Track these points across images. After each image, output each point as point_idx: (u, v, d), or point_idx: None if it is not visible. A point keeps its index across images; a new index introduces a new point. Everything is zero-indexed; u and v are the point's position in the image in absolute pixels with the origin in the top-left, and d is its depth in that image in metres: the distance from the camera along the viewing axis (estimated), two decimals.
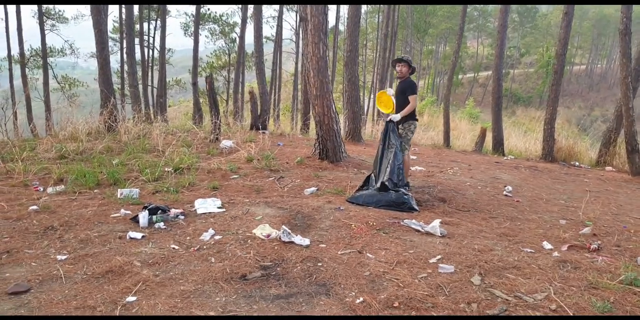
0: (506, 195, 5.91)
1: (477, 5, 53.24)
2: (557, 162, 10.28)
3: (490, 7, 53.68)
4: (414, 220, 4.24)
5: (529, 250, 3.71)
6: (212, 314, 2.53)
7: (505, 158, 10.90)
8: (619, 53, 9.10)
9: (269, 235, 3.67)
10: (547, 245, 3.84)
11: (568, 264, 3.39)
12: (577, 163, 10.28)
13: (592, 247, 3.80)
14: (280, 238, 3.60)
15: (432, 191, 5.64)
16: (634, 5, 8.63)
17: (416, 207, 4.81)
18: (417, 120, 5.40)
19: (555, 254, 3.63)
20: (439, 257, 3.43)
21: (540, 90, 51.27)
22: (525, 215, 4.98)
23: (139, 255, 3.30)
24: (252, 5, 16.71)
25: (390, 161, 4.98)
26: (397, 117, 5.18)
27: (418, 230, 4.04)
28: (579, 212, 5.18)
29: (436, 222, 4.03)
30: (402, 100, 5.32)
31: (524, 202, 5.59)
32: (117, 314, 2.49)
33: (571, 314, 2.61)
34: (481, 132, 12.39)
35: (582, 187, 6.97)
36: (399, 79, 5.40)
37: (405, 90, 5.28)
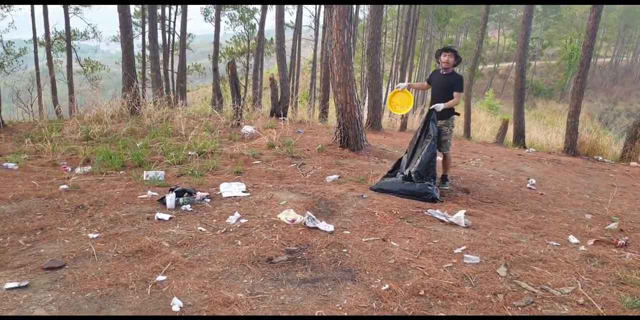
0: (530, 188, 5.83)
1: None
2: (580, 156, 10.08)
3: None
4: (437, 210, 4.23)
5: (554, 243, 3.67)
6: (240, 295, 2.58)
7: (526, 151, 10.73)
8: None
9: (293, 220, 3.70)
10: (573, 239, 3.79)
11: (595, 259, 3.35)
12: (600, 157, 10.06)
13: (619, 242, 3.74)
14: (305, 223, 3.63)
15: (455, 182, 5.60)
16: None
17: (439, 198, 4.78)
18: (458, 114, 5.17)
19: (582, 248, 3.59)
20: (464, 247, 3.42)
21: (562, 82, 49.95)
22: (549, 208, 4.92)
23: (167, 236, 3.37)
24: None
25: (423, 152, 4.89)
26: (440, 106, 4.91)
27: (442, 221, 4.03)
28: (604, 206, 5.10)
29: (461, 213, 4.01)
30: (447, 95, 4.99)
31: (548, 196, 5.51)
32: (149, 293, 2.56)
33: (599, 309, 2.59)
34: (503, 124, 12.21)
35: (607, 182, 6.84)
36: (444, 70, 5.07)
37: (454, 86, 4.97)
